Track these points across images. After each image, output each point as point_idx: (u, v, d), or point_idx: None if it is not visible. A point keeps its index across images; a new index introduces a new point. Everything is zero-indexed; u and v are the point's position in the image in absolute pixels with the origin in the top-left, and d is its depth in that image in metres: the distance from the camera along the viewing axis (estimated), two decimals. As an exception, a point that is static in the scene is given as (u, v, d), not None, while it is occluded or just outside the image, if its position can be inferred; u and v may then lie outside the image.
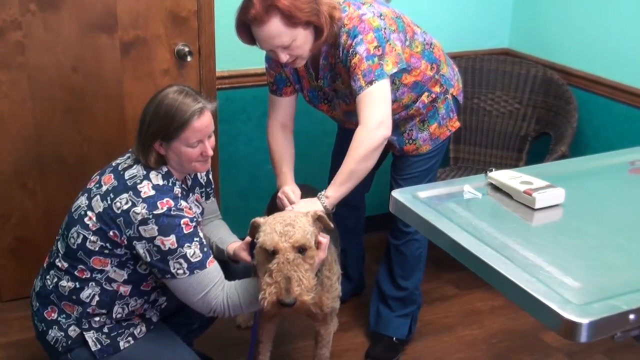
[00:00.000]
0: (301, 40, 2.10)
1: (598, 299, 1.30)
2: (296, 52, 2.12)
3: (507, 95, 3.37)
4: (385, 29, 2.17)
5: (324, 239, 2.00)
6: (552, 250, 1.50)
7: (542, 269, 1.41)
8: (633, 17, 2.91)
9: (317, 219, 1.99)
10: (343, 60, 2.19)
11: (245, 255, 2.11)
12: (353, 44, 2.15)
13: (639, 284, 1.35)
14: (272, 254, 1.87)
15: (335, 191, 2.16)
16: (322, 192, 2.19)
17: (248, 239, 2.09)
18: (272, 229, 1.90)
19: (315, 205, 2.13)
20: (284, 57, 2.12)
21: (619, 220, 1.71)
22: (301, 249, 1.88)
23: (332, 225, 2.03)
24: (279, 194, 2.28)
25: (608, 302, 1.29)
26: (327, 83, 2.31)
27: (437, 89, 2.40)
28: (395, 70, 2.18)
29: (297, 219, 1.93)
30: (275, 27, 2.04)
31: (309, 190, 2.49)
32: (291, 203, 2.21)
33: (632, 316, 1.27)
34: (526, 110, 3.34)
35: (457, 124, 2.52)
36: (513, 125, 3.37)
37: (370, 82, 2.13)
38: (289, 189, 2.28)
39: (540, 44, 3.42)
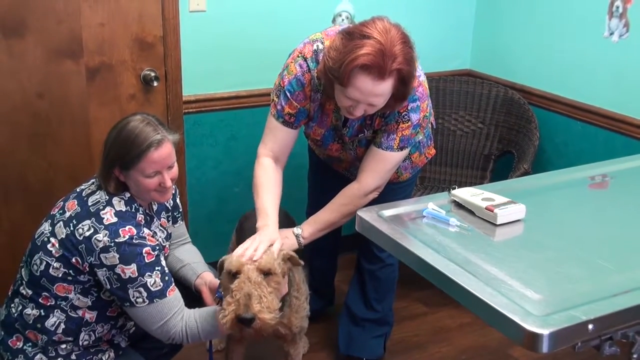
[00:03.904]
0: (380, 106, 2.03)
1: (558, 310, 1.34)
2: (370, 110, 2.04)
3: (470, 115, 3.44)
4: (429, 95, 2.22)
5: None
6: (513, 264, 1.54)
7: (505, 282, 1.44)
8: (586, 39, 3.01)
9: (288, 259, 2.01)
10: (388, 116, 2.16)
11: (205, 292, 2.15)
12: (409, 109, 2.14)
13: (597, 295, 1.40)
14: (235, 275, 1.87)
15: (312, 235, 2.23)
16: (300, 232, 2.23)
17: (217, 281, 2.10)
18: (238, 255, 1.91)
19: (291, 241, 2.18)
20: (360, 113, 2.02)
21: (579, 234, 1.76)
22: (266, 273, 1.89)
23: (301, 262, 2.06)
24: (254, 238, 2.01)
25: (568, 313, 1.32)
26: (351, 132, 2.26)
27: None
28: (420, 137, 2.26)
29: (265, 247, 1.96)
30: (386, 87, 1.95)
31: (281, 214, 2.52)
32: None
33: (590, 326, 1.31)
34: (489, 130, 3.40)
35: (433, 151, 2.55)
36: (477, 144, 3.43)
37: (401, 149, 2.20)
38: (267, 238, 2.01)
39: (500, 65, 3.50)
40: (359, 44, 1.91)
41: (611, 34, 2.90)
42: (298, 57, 2.19)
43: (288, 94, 2.19)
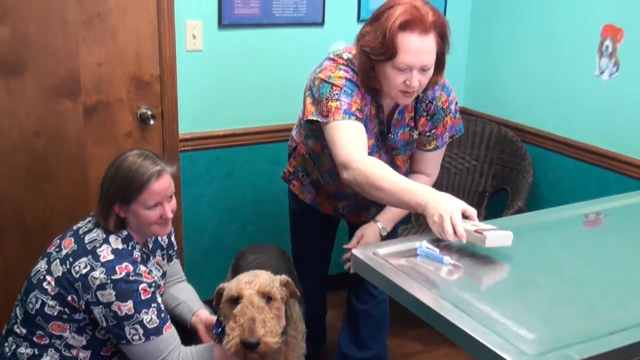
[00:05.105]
0: (432, 71, 2.07)
1: (552, 349, 1.33)
2: (424, 81, 2.06)
3: (464, 153, 3.47)
4: None
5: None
6: (507, 302, 1.54)
7: (498, 321, 1.44)
8: (577, 78, 3.05)
9: (285, 284, 2.02)
10: (435, 114, 2.23)
11: (201, 329, 2.15)
12: (449, 102, 2.24)
13: (591, 334, 1.40)
14: (236, 300, 1.89)
15: (390, 228, 2.32)
16: (381, 227, 2.30)
17: (213, 318, 2.11)
18: (238, 280, 1.94)
19: (375, 237, 2.27)
20: (417, 82, 2.02)
21: (573, 272, 1.76)
22: (267, 298, 1.91)
23: (298, 293, 2.07)
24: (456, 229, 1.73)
25: (561, 352, 1.32)
26: (396, 139, 2.26)
27: None
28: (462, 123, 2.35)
29: (262, 273, 1.98)
30: (431, 42, 2.00)
31: (276, 250, 2.53)
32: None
33: (584, 365, 1.31)
34: (483, 167, 3.43)
35: None
36: (471, 181, 3.46)
37: (452, 137, 2.31)
38: (456, 212, 1.76)
39: (493, 103, 3.54)
40: (390, 12, 1.99)
41: (601, 72, 2.95)
42: (338, 65, 2.14)
43: (350, 91, 2.09)
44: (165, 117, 2.86)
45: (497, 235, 1.74)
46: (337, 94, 2.08)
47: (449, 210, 1.73)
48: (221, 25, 2.97)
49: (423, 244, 1.79)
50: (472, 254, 1.79)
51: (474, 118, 3.49)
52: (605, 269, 1.78)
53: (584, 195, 2.96)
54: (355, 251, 1.79)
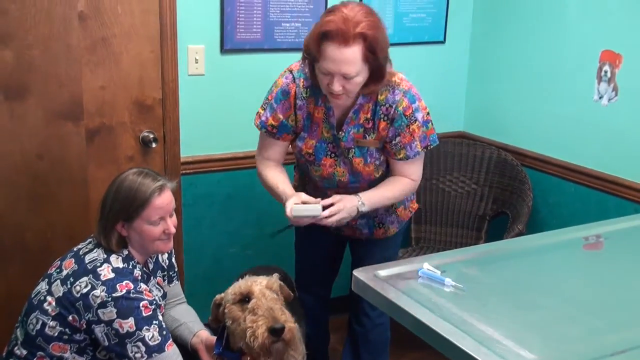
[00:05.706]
0: (361, 78, 2.11)
1: (553, 370, 1.34)
2: (350, 87, 2.11)
3: (465, 176, 3.48)
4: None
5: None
6: (508, 324, 1.54)
7: (499, 342, 1.44)
8: (576, 103, 3.07)
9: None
10: (396, 119, 2.22)
11: (202, 350, 2.16)
12: (413, 110, 2.23)
13: (592, 355, 1.40)
14: (246, 299, 1.96)
15: (370, 206, 2.28)
16: (361, 197, 2.27)
17: (213, 338, 2.12)
18: (241, 282, 2.03)
19: (353, 202, 2.24)
20: (338, 87, 2.09)
21: (574, 294, 1.77)
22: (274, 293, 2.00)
23: (292, 294, 2.15)
24: (289, 209, 2.17)
25: (563, 373, 1.33)
26: (347, 138, 2.28)
27: None
28: (435, 134, 2.35)
29: (259, 276, 2.07)
30: (353, 53, 2.03)
31: (278, 272, 2.53)
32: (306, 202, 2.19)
33: (586, 386, 1.31)
34: (483, 191, 3.44)
35: (416, 206, 2.58)
36: (471, 205, 3.46)
37: (426, 147, 2.29)
38: (294, 199, 2.20)
39: (493, 127, 3.56)
40: (325, 18, 2.07)
41: (600, 97, 2.97)
42: (285, 72, 2.32)
43: (274, 105, 2.31)
44: (167, 141, 2.88)
45: (304, 207, 2.14)
46: (266, 103, 2.35)
47: (289, 205, 2.17)
48: (223, 50, 3.00)
49: (425, 266, 1.79)
50: (473, 275, 1.79)
51: (474, 142, 3.50)
52: (605, 291, 1.78)
53: (584, 218, 2.97)
54: (356, 272, 1.79)
